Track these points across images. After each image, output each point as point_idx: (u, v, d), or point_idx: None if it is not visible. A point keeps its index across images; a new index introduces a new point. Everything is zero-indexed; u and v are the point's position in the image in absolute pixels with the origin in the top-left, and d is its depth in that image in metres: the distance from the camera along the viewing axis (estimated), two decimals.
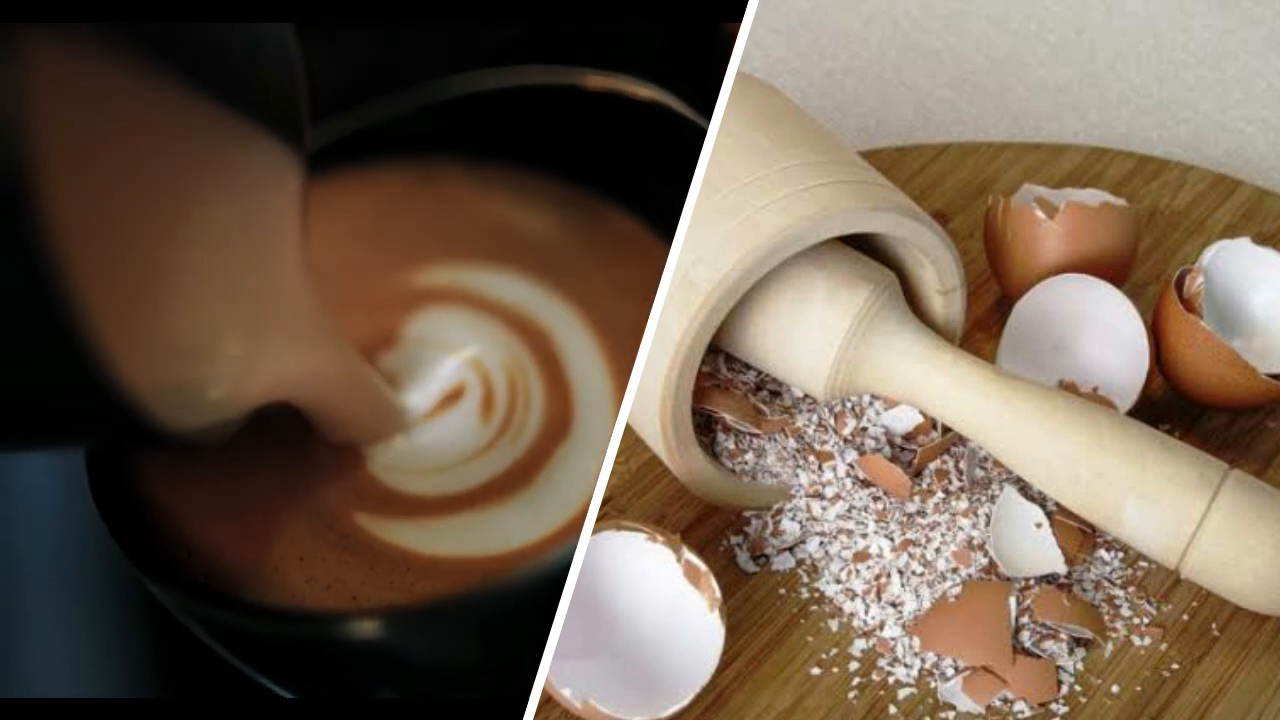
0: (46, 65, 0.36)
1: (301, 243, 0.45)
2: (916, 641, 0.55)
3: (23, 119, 0.36)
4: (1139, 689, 0.54)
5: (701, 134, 0.51)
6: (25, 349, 0.38)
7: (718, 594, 0.53)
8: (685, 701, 0.52)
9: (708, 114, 0.51)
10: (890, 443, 0.58)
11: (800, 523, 0.57)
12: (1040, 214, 0.62)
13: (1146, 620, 0.56)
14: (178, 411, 0.42)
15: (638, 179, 0.52)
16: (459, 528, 0.47)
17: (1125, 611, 0.56)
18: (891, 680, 0.54)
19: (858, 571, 0.56)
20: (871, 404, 0.58)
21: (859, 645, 0.55)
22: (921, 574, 0.56)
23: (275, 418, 0.47)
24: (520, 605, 0.45)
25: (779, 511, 0.58)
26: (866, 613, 0.55)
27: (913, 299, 0.60)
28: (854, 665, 0.55)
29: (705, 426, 0.59)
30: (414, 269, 0.53)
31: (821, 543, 0.57)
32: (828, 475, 0.57)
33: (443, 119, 0.54)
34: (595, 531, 0.54)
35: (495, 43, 0.57)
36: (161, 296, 0.40)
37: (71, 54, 0.36)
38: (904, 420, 0.58)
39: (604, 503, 0.59)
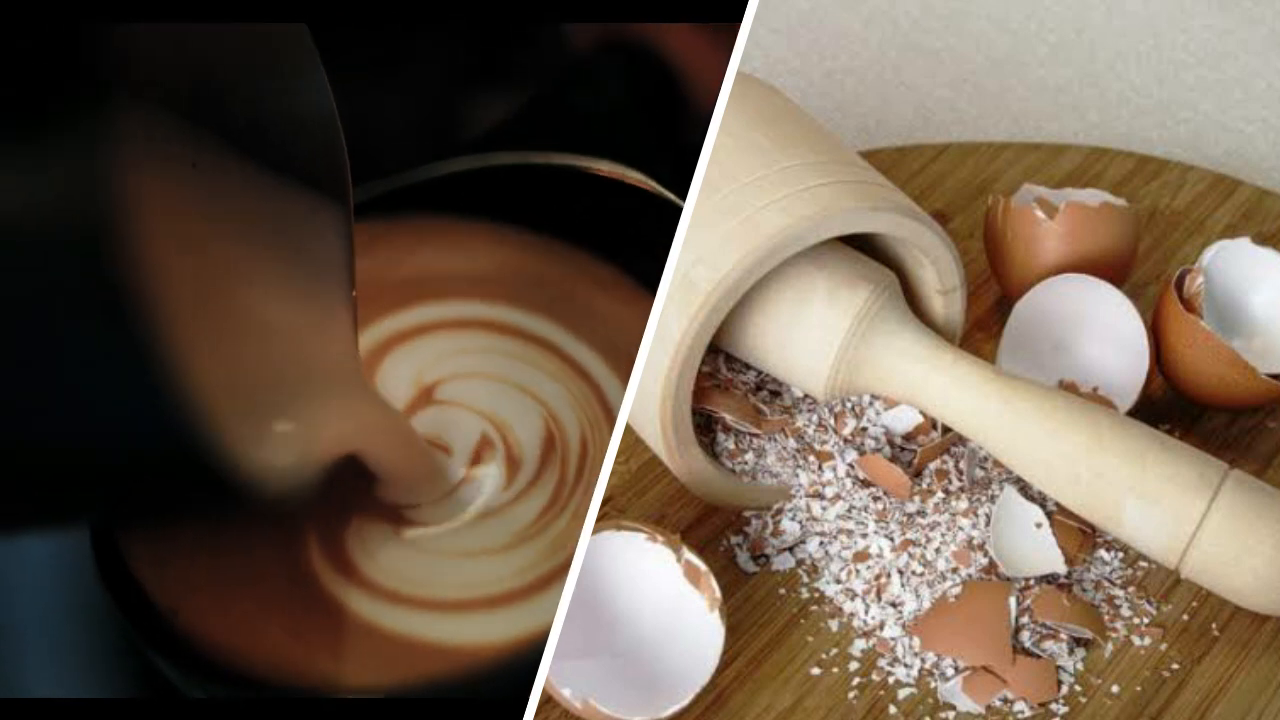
0: (134, 147, 0.38)
1: (351, 303, 0.46)
2: (916, 641, 0.55)
3: (113, 189, 0.38)
4: (1139, 689, 0.54)
5: (665, 204, 0.53)
6: (132, 415, 0.40)
7: (718, 594, 0.53)
8: (685, 701, 0.52)
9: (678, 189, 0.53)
10: (890, 443, 0.58)
11: (800, 523, 0.57)
12: (1040, 214, 0.62)
13: (1146, 620, 0.56)
14: (264, 466, 0.44)
15: (610, 234, 0.54)
16: (468, 622, 0.47)
17: (1125, 611, 0.56)
18: (891, 680, 0.54)
19: (858, 571, 0.56)
20: (871, 404, 0.58)
21: (859, 645, 0.55)
22: (921, 574, 0.56)
23: (272, 497, 0.48)
24: (519, 681, 0.45)
25: (779, 511, 0.58)
26: (866, 613, 0.55)
27: (913, 299, 0.60)
28: (854, 665, 0.55)
29: (705, 426, 0.59)
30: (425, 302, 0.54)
31: (821, 543, 0.57)
32: (828, 475, 0.57)
33: (420, 195, 0.55)
34: (595, 531, 0.54)
35: (473, 135, 0.59)
36: (245, 357, 0.42)
37: (153, 138, 0.39)
38: (904, 420, 0.58)
39: (604, 503, 0.59)
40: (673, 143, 0.60)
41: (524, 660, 0.45)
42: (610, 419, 0.51)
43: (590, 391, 0.51)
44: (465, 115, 0.61)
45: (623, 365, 0.52)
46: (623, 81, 0.61)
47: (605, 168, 0.54)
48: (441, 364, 0.52)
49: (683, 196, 0.53)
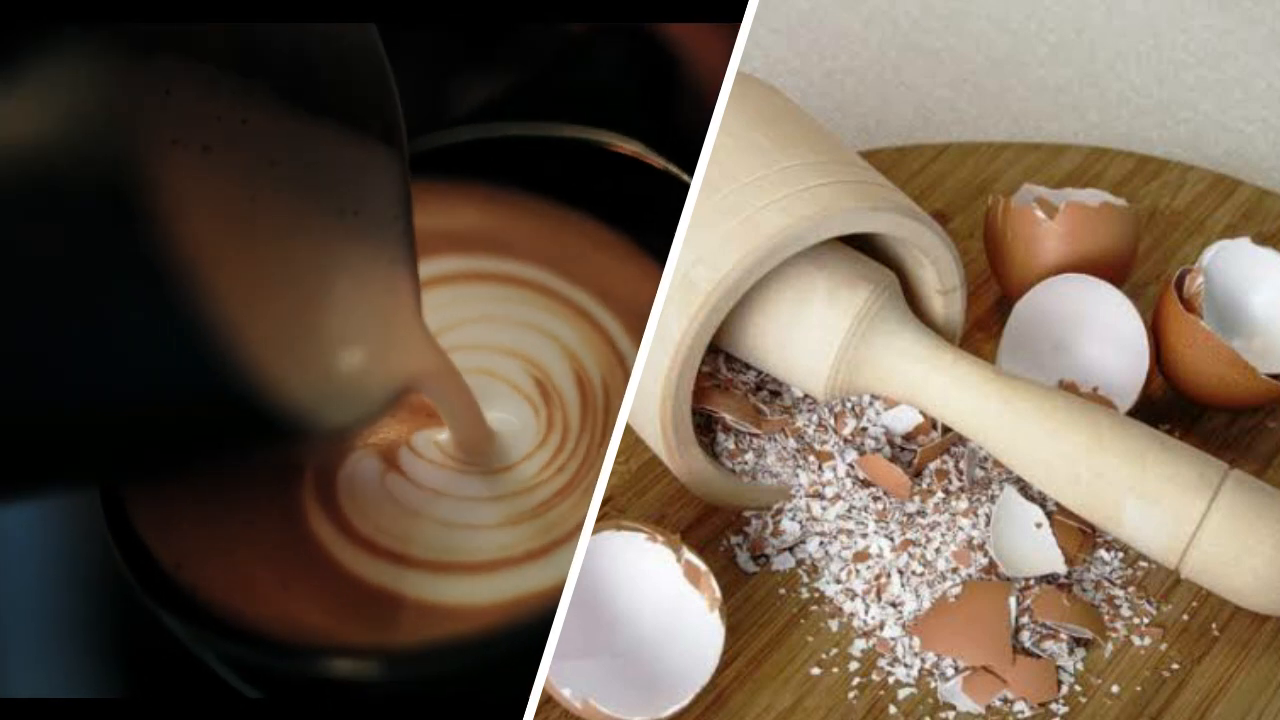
0: (179, 103, 0.38)
1: (410, 246, 0.45)
2: (916, 641, 0.55)
3: (153, 143, 0.37)
4: (1139, 689, 0.54)
5: (673, 180, 0.52)
6: (185, 374, 0.40)
7: (718, 594, 0.53)
8: (685, 701, 0.52)
9: (680, 163, 0.53)
10: (890, 443, 0.58)
11: (800, 523, 0.57)
12: (1040, 214, 0.62)
13: (1146, 620, 0.56)
14: (328, 404, 0.44)
15: (603, 199, 0.54)
16: (468, 584, 0.47)
17: (1125, 611, 0.56)
18: (891, 680, 0.54)
19: (858, 571, 0.56)
20: (871, 404, 0.58)
21: (859, 645, 0.55)
22: (921, 574, 0.56)
23: (270, 453, 0.47)
24: (518, 648, 0.45)
25: (779, 511, 0.58)
26: (866, 613, 0.55)
27: (913, 299, 0.60)
28: (854, 665, 0.55)
29: (705, 426, 0.59)
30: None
31: (821, 543, 0.57)
32: (828, 475, 0.57)
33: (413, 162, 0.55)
34: (595, 531, 0.54)
35: (470, 106, 0.59)
36: (300, 307, 0.42)
37: (200, 93, 0.38)
38: (904, 420, 0.58)
39: (604, 503, 0.59)
40: (668, 112, 0.60)
41: (511, 625, 0.45)
42: (622, 364, 0.50)
43: (598, 334, 0.51)
44: (459, 92, 0.61)
45: (624, 312, 0.52)
46: (621, 58, 0.61)
47: (601, 138, 0.54)
48: (433, 317, 0.52)
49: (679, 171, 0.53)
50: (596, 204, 0.54)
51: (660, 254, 0.52)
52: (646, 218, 0.52)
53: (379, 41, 0.43)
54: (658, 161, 0.54)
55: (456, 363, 0.50)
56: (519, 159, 0.55)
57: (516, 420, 0.50)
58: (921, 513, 0.57)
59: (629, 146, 0.54)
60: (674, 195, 0.52)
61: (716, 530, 0.58)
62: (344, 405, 0.45)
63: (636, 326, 0.51)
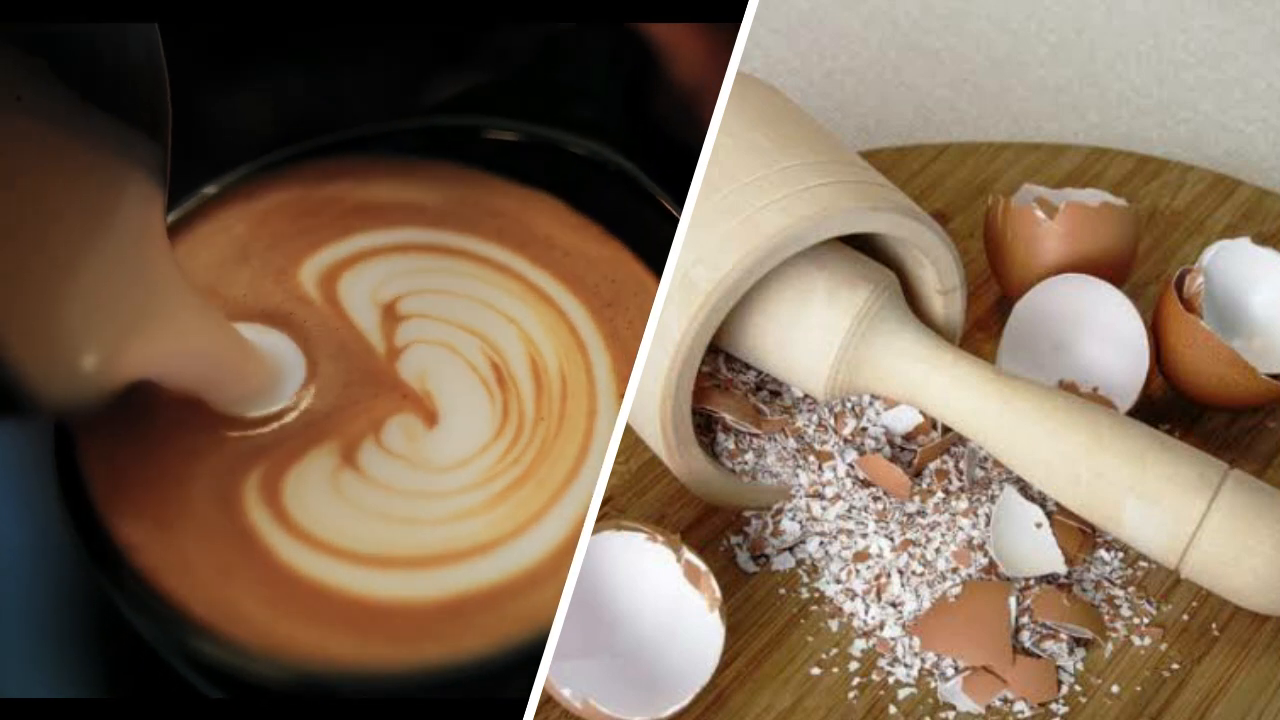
0: None
1: (164, 231, 0.46)
2: (916, 641, 0.55)
3: None
4: (1139, 689, 0.54)
5: (640, 190, 0.53)
6: None
7: (718, 594, 0.53)
8: (685, 701, 0.52)
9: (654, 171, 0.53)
10: (890, 443, 0.58)
11: (800, 523, 0.58)
12: (1040, 214, 0.62)
13: (1146, 620, 0.56)
14: (56, 384, 0.44)
15: (574, 186, 0.54)
16: (412, 579, 0.46)
17: (1125, 611, 0.56)
18: (891, 680, 0.54)
19: (858, 571, 0.56)
20: (871, 404, 0.58)
21: (859, 645, 0.55)
22: (921, 574, 0.56)
23: (210, 428, 0.47)
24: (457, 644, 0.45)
25: (779, 511, 0.58)
26: (866, 613, 0.55)
27: (913, 299, 0.60)
28: (854, 665, 0.55)
29: (705, 426, 0.59)
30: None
31: (821, 543, 0.57)
32: (828, 475, 0.57)
33: (393, 139, 0.55)
34: (595, 531, 0.54)
35: (448, 95, 0.60)
36: (42, 286, 0.42)
37: None
38: (904, 420, 0.58)
39: (604, 503, 0.59)
40: (646, 109, 0.60)
41: (457, 621, 0.45)
42: (583, 351, 0.50)
43: (559, 320, 0.51)
44: (438, 83, 0.61)
45: (590, 298, 0.51)
46: (603, 56, 0.61)
47: (578, 135, 0.54)
48: (394, 283, 0.52)
49: (673, 190, 0.53)
50: (568, 190, 0.54)
51: (632, 240, 0.52)
52: (619, 206, 0.52)
53: (159, 39, 0.43)
54: (633, 168, 0.54)
55: (419, 332, 0.49)
56: (492, 146, 0.55)
57: (471, 408, 0.49)
58: (921, 513, 0.57)
59: (603, 145, 0.54)
60: (647, 190, 0.52)
61: (716, 530, 0.58)
62: (82, 380, 0.45)
63: (602, 312, 0.51)
